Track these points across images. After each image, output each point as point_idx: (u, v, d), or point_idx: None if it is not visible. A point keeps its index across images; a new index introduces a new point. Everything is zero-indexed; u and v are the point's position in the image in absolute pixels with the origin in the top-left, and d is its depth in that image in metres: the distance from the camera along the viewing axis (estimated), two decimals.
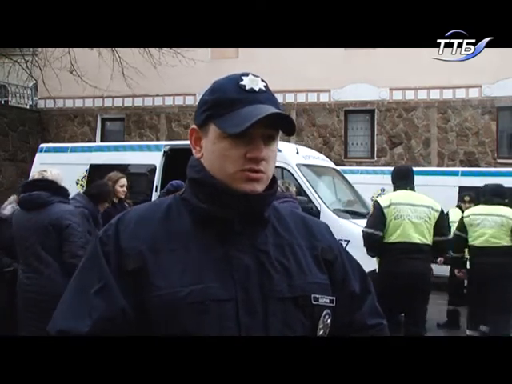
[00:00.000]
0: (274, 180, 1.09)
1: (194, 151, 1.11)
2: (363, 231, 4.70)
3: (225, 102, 1.03)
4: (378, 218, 4.60)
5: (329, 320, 1.08)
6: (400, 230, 4.55)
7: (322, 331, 1.07)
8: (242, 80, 1.04)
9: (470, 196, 7.14)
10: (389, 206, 4.59)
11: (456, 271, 5.90)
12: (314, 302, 1.06)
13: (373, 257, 4.79)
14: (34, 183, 3.71)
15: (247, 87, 1.04)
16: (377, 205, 4.70)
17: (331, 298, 1.09)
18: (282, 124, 1.04)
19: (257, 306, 1.01)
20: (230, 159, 1.02)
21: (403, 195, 4.78)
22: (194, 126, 1.10)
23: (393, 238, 4.56)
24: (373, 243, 4.62)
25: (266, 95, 1.05)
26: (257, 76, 1.07)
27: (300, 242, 1.12)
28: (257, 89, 1.04)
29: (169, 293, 0.97)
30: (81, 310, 0.98)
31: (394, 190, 4.87)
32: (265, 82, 1.07)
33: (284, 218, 1.14)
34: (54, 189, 3.60)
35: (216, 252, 1.03)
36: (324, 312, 1.07)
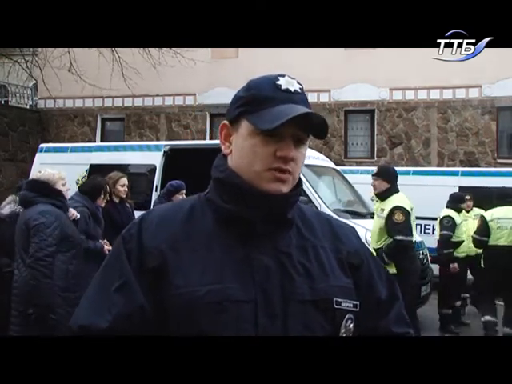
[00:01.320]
0: (299, 182, 1.09)
1: (222, 147, 1.10)
2: (406, 240, 4.67)
3: (259, 99, 1.03)
4: (410, 225, 4.76)
5: (351, 325, 1.06)
6: (414, 231, 4.91)
7: (344, 336, 1.06)
8: (279, 80, 1.05)
9: (470, 195, 7.17)
10: (411, 210, 4.81)
11: (452, 265, 6.44)
12: (336, 306, 1.04)
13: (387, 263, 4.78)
14: (27, 183, 3.77)
15: (283, 87, 1.04)
16: (406, 211, 4.71)
17: (355, 302, 1.07)
18: (314, 126, 1.04)
19: (276, 308, 1.00)
20: (259, 156, 1.02)
21: (406, 197, 4.93)
22: (225, 121, 1.10)
23: (413, 239, 4.88)
24: (408, 250, 4.76)
25: (300, 96, 1.06)
26: (293, 78, 1.08)
27: (324, 245, 1.10)
28: (292, 89, 1.05)
29: (187, 292, 0.98)
30: (101, 306, 1.00)
31: (393, 192, 4.85)
32: (300, 84, 1.08)
33: (309, 219, 1.13)
34: (41, 189, 3.60)
35: (237, 253, 1.02)
36: (346, 316, 1.06)
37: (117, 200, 5.24)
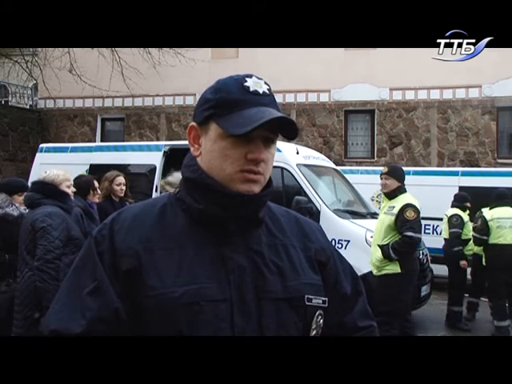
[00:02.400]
0: (269, 182, 1.09)
1: (191, 149, 1.10)
2: (415, 237, 4.69)
3: (228, 102, 1.03)
4: (421, 223, 4.81)
5: (321, 320, 1.09)
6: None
7: (314, 331, 1.07)
8: (246, 81, 1.05)
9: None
10: (420, 209, 4.85)
11: (462, 262, 6.59)
12: (307, 303, 1.06)
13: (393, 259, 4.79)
14: (33, 184, 3.75)
15: (251, 89, 1.04)
16: (418, 209, 4.75)
17: (324, 298, 1.09)
18: (285, 128, 1.04)
19: (251, 306, 1.01)
20: (230, 159, 1.02)
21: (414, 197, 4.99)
22: (193, 123, 1.10)
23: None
24: (415, 247, 4.80)
25: (269, 98, 1.06)
26: (260, 78, 1.07)
27: (294, 243, 1.12)
28: (261, 91, 1.05)
29: (163, 293, 0.97)
30: (74, 310, 0.98)
31: (402, 191, 4.90)
32: (268, 84, 1.08)
33: (278, 218, 1.14)
34: (47, 191, 3.59)
35: (211, 252, 1.02)
36: (317, 312, 1.08)
37: (116, 199, 5.23)
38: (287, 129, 1.05)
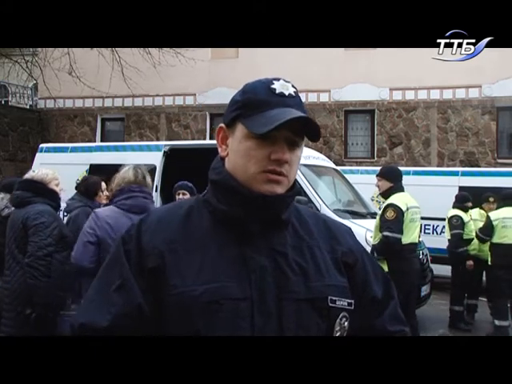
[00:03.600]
0: (294, 184, 1.11)
1: (219, 149, 1.13)
2: (391, 237, 4.68)
3: (254, 102, 1.05)
4: (401, 223, 4.76)
5: (346, 323, 1.08)
6: (414, 231, 4.91)
7: (338, 333, 1.07)
8: (274, 84, 1.07)
9: (493, 197, 7.18)
10: (407, 209, 4.81)
11: (468, 263, 6.67)
12: (330, 304, 1.06)
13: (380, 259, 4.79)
14: (21, 182, 3.72)
15: (277, 91, 1.06)
16: (398, 209, 4.74)
17: (349, 301, 1.09)
18: (308, 129, 1.06)
19: (271, 306, 1.02)
20: (254, 159, 1.04)
21: (409, 197, 5.00)
22: (221, 124, 1.12)
23: (409, 239, 4.85)
24: (396, 247, 4.74)
25: (295, 100, 1.07)
26: (288, 81, 1.09)
27: (320, 245, 1.12)
28: (287, 93, 1.07)
29: (184, 291, 1.00)
30: (101, 306, 1.03)
31: (394, 191, 4.89)
32: (295, 88, 1.09)
33: (305, 219, 1.15)
34: (36, 189, 3.58)
35: (232, 252, 1.04)
36: (341, 315, 1.07)
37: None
38: (310, 130, 1.06)
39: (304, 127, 1.05)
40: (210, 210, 1.09)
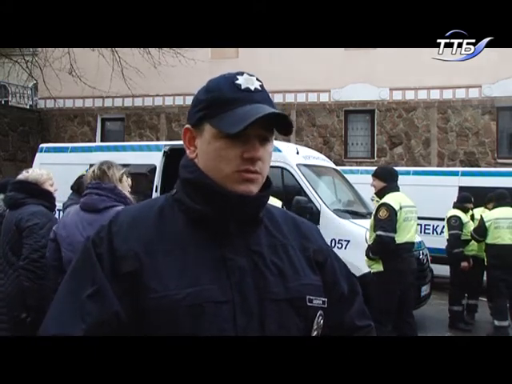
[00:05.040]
0: (268, 181, 1.08)
1: (187, 151, 1.09)
2: (384, 236, 4.70)
3: (220, 101, 1.01)
4: (394, 222, 4.77)
5: (322, 321, 1.08)
6: (410, 231, 4.91)
7: (315, 332, 1.07)
8: (238, 79, 1.03)
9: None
10: (400, 208, 4.82)
11: (463, 264, 6.66)
12: (308, 304, 1.06)
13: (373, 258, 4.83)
14: (15, 183, 3.67)
15: (243, 86, 1.02)
16: (391, 208, 4.76)
17: (323, 299, 1.09)
18: (279, 124, 1.03)
19: (253, 307, 1.00)
20: (225, 159, 1.01)
21: (404, 197, 5.00)
22: (187, 125, 1.08)
23: (405, 239, 4.85)
24: (390, 246, 4.74)
25: (261, 94, 1.04)
26: (252, 75, 1.05)
27: (292, 243, 1.11)
28: (252, 88, 1.03)
29: (166, 295, 0.96)
30: (74, 315, 0.96)
31: (388, 191, 4.93)
32: (260, 81, 1.06)
33: (276, 218, 1.14)
34: (30, 190, 3.53)
35: (211, 253, 1.02)
36: (318, 313, 1.07)
37: None
38: (282, 125, 1.03)
39: (275, 122, 1.02)
40: (183, 209, 1.05)
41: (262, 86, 1.05)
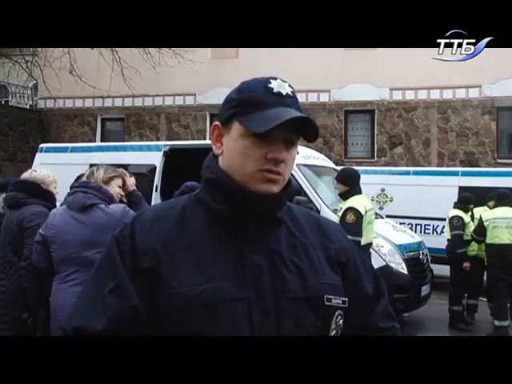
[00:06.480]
0: (289, 183, 1.10)
1: (213, 147, 1.11)
2: (351, 240, 4.72)
3: (252, 101, 1.04)
4: (360, 226, 4.98)
5: (341, 321, 1.09)
6: (371, 233, 5.23)
7: (334, 332, 1.08)
8: (271, 83, 1.06)
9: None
10: (366, 212, 5.06)
11: (465, 264, 6.68)
12: (326, 303, 1.06)
13: None
14: (17, 183, 3.66)
15: (275, 90, 1.06)
16: (358, 213, 4.96)
17: (344, 299, 1.09)
18: (305, 129, 1.06)
19: (269, 305, 1.01)
20: (250, 158, 1.03)
21: (366, 200, 5.28)
22: (216, 122, 1.11)
23: (368, 240, 5.14)
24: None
25: (292, 100, 1.07)
26: (284, 81, 1.09)
27: (313, 243, 1.12)
28: (284, 93, 1.06)
29: (181, 292, 0.99)
30: (96, 308, 1.01)
31: (352, 194, 5.08)
32: (292, 87, 1.09)
33: (298, 218, 1.15)
34: (33, 190, 3.52)
35: (229, 252, 1.04)
36: (336, 313, 1.08)
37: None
38: (308, 130, 1.06)
39: (302, 127, 1.05)
40: (205, 209, 1.08)
41: (293, 92, 1.09)
